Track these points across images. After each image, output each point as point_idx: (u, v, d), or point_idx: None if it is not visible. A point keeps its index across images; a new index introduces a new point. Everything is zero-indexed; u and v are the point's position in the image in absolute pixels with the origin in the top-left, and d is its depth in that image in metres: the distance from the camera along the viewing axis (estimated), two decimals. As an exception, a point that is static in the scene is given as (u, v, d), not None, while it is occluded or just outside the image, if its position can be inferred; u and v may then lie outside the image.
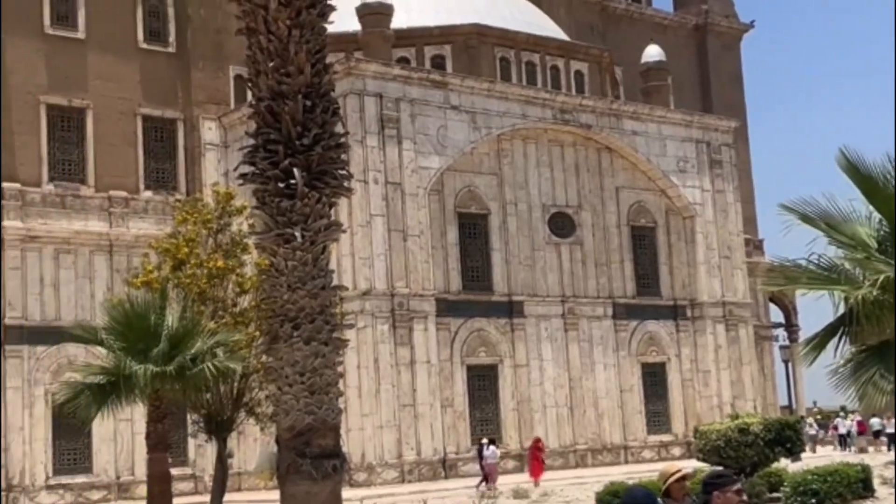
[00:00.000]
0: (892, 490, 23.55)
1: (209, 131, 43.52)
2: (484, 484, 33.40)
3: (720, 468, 20.33)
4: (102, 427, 35.17)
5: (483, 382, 41.08)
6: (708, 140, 47.95)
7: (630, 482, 22.93)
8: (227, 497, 23.94)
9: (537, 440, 37.60)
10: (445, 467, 38.74)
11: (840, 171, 11.65)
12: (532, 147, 43.60)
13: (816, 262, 11.82)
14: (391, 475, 37.13)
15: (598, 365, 43.56)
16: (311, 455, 11.20)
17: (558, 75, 48.21)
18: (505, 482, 33.71)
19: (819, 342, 11.93)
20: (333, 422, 11.53)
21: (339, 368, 11.96)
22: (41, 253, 39.13)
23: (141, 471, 34.96)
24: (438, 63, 45.14)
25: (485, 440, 36.12)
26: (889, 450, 44.04)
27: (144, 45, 43.30)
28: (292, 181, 11.55)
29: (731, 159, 48.67)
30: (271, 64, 11.70)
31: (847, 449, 47.83)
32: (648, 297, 45.58)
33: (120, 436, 38.80)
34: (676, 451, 44.21)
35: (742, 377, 46.78)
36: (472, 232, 41.91)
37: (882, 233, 11.70)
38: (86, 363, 22.92)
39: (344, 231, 13.26)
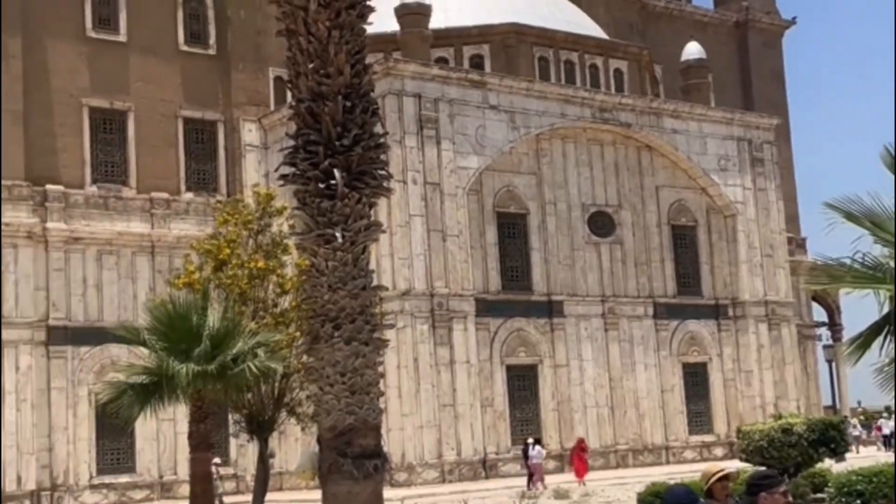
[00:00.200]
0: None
1: (249, 133, 43.76)
2: (533, 483, 33.46)
3: (765, 469, 20.16)
4: (145, 427, 35.47)
5: (523, 382, 41.00)
6: (749, 138, 47.57)
7: (671, 482, 22.78)
8: (269, 496, 24.06)
9: (580, 440, 37.55)
10: (486, 467, 38.70)
11: (885, 169, 11.52)
12: (571, 146, 43.46)
13: (861, 260, 11.69)
14: (431, 475, 37.14)
15: (638, 365, 43.36)
16: (353, 455, 11.22)
17: (597, 74, 48.01)
18: (547, 482, 33.71)
19: (863, 341, 11.80)
20: (374, 422, 11.54)
21: (380, 368, 11.96)
22: (84, 254, 39.54)
23: (183, 470, 35.26)
24: (477, 63, 45.10)
25: (530, 440, 36.14)
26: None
27: (185, 48, 43.62)
28: (332, 182, 11.58)
29: (772, 157, 48.26)
30: (311, 65, 11.73)
31: (891, 449, 47.26)
32: (689, 297, 45.29)
33: (162, 435, 39.12)
34: (718, 451, 43.91)
35: (785, 377, 46.37)
36: (511, 232, 41.84)
37: (928, 231, 11.54)
38: (129, 363, 23.10)
39: (384, 231, 13.27)
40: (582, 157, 43.63)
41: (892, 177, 11.49)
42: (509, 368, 40.61)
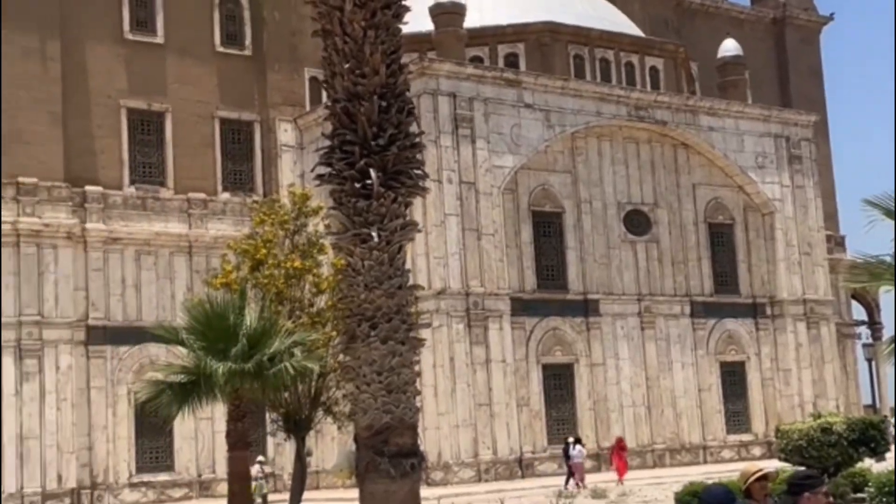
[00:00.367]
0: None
1: (285, 133, 43.97)
2: (575, 482, 33.43)
3: (806, 468, 20.01)
4: (184, 426, 35.74)
5: (559, 381, 40.92)
6: (787, 135, 47.21)
7: (709, 482, 22.64)
8: (306, 495, 24.14)
9: (620, 440, 37.45)
10: (522, 467, 38.66)
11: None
12: (606, 144, 43.31)
13: (901, 258, 11.58)
14: (467, 474, 37.15)
15: (675, 364, 43.15)
16: (390, 454, 11.24)
17: (633, 72, 47.81)
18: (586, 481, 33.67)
19: (904, 340, 11.68)
20: (411, 420, 11.55)
21: (416, 368, 11.98)
22: (123, 254, 39.89)
23: (221, 469, 35.51)
24: (512, 61, 45.05)
25: (570, 439, 36.10)
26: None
27: (221, 49, 43.89)
28: (368, 181, 11.60)
29: (810, 154, 47.86)
30: (347, 65, 11.76)
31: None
32: (727, 295, 45.02)
33: (201, 434, 39.39)
34: (757, 450, 43.62)
35: (824, 376, 45.99)
36: (547, 230, 41.75)
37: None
38: (167, 362, 23.27)
39: (419, 231, 13.30)
40: (617, 155, 43.47)
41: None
42: (545, 367, 40.54)
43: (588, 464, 38.91)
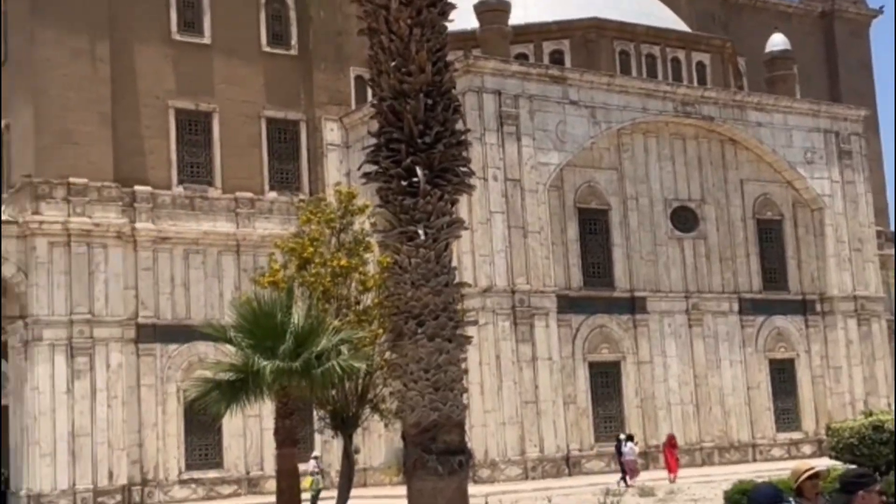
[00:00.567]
0: None
1: (331, 132, 44.16)
2: (626, 479, 33.33)
3: (856, 467, 19.76)
4: (232, 423, 35.97)
5: (606, 379, 40.74)
6: (836, 130, 46.65)
7: (759, 480, 22.44)
8: (354, 492, 24.23)
9: (671, 437, 37.22)
10: (569, 464, 38.54)
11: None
12: (653, 141, 43.05)
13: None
14: (514, 472, 37.10)
15: (724, 361, 42.81)
16: (437, 451, 11.26)
17: (679, 67, 47.46)
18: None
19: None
20: (458, 418, 11.56)
21: (462, 365, 11.98)
22: (172, 253, 40.27)
23: (270, 466, 35.75)
24: (557, 58, 44.91)
25: (622, 436, 35.95)
26: None
27: (268, 49, 44.16)
28: (415, 179, 11.63)
29: (860, 149, 47.26)
30: (393, 63, 11.79)
31: None
32: (776, 292, 44.59)
33: (249, 431, 39.67)
34: (807, 448, 43.16)
35: (875, 373, 45.42)
36: (593, 227, 41.58)
37: None
38: (215, 360, 23.43)
39: (465, 228, 13.30)
40: (664, 151, 43.19)
41: None
42: (592, 365, 40.38)
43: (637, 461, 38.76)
